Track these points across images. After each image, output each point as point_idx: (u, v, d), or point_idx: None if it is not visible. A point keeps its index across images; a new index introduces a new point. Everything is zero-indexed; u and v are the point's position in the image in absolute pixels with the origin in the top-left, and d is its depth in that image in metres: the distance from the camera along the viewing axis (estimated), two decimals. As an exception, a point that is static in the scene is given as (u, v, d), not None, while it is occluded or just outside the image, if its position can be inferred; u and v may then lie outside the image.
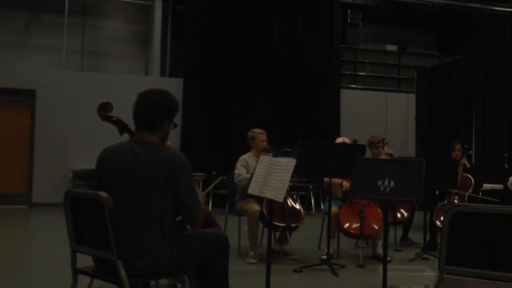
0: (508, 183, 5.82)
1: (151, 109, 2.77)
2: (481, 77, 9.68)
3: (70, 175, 10.12)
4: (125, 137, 2.95)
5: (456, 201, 6.49)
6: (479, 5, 12.75)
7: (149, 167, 2.64)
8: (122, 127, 2.96)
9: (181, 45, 11.80)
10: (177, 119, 2.91)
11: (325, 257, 5.35)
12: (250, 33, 11.16)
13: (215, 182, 5.02)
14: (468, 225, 2.48)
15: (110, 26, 11.79)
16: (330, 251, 5.42)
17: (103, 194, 2.52)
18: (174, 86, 10.35)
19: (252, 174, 3.88)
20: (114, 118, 2.96)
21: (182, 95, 10.77)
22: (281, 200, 3.53)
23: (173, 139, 8.89)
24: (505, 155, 5.67)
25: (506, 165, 5.51)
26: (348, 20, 12.86)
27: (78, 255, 2.80)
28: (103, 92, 9.78)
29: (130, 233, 2.61)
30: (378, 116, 12.12)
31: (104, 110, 2.96)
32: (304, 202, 10.16)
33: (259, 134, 5.87)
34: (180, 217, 2.99)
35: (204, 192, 3.35)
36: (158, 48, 11.13)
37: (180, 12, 11.80)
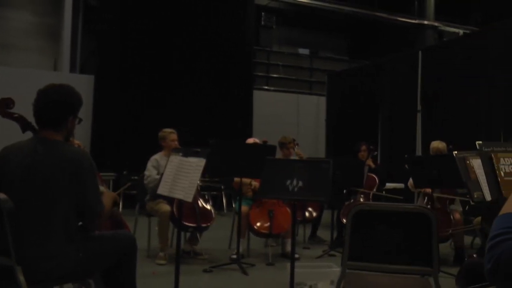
0: (409, 183, 6.15)
1: (53, 107, 2.66)
2: (386, 82, 10.18)
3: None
4: (28, 135, 2.82)
5: (361, 200, 6.79)
6: (384, 15, 13.44)
7: (53, 166, 2.54)
8: (24, 125, 2.82)
9: (93, 40, 11.42)
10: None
11: (235, 256, 5.40)
12: (163, 31, 11.00)
13: (127, 185, 4.92)
14: (367, 222, 2.62)
15: (17, 17, 11.16)
16: (240, 250, 5.49)
17: (1, 195, 2.40)
18: (85, 83, 9.99)
19: (162, 174, 3.86)
20: (16, 115, 2.82)
21: (93, 92, 10.40)
22: (190, 200, 3.53)
23: (83, 138, 8.59)
24: (406, 156, 6.00)
25: (406, 166, 5.82)
26: (262, 23, 13.07)
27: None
28: (7, 87, 9.16)
29: (33, 236, 2.50)
30: (289, 118, 12.31)
31: (5, 106, 2.81)
32: (216, 202, 10.18)
33: (170, 134, 5.84)
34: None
35: (116, 193, 3.27)
36: (68, 42, 10.69)
37: (92, 6, 11.42)
